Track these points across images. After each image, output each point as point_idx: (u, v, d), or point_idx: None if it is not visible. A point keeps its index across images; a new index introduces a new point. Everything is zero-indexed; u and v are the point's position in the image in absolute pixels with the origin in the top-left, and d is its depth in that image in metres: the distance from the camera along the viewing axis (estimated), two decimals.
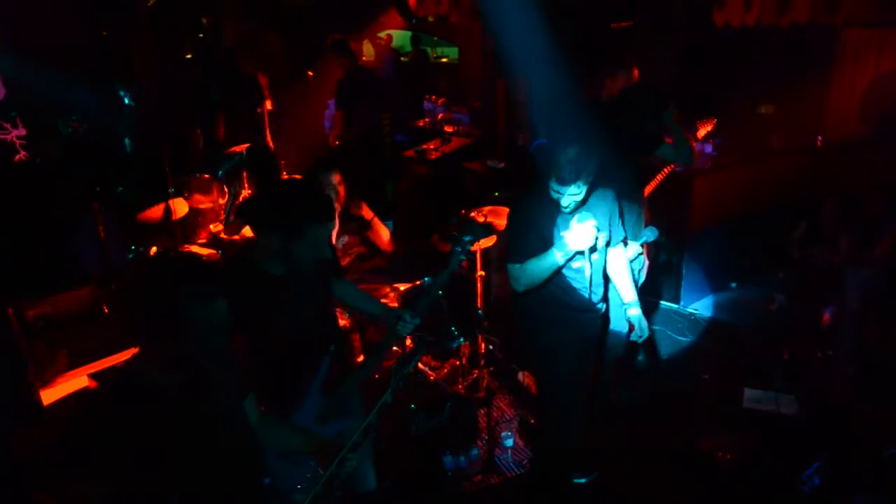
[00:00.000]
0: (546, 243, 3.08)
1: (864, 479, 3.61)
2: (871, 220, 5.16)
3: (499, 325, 4.73)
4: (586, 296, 3.23)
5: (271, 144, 6.56)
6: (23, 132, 5.49)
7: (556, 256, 3.03)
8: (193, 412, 2.01)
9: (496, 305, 5.10)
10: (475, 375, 4.36)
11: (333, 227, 2.56)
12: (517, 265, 3.15)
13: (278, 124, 7.18)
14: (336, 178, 3.88)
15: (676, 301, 5.61)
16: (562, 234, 3.02)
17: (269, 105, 6.75)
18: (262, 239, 2.59)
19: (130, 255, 5.18)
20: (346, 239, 4.27)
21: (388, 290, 4.49)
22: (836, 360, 4.74)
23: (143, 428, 1.90)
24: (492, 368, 4.44)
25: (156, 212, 5.13)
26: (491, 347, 4.53)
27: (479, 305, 4.31)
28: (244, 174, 5.31)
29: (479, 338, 4.27)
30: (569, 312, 3.26)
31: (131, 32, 7.26)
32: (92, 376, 4.44)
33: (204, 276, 1.92)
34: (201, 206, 5.64)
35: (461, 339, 4.02)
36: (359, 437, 2.37)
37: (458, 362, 4.37)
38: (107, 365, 4.60)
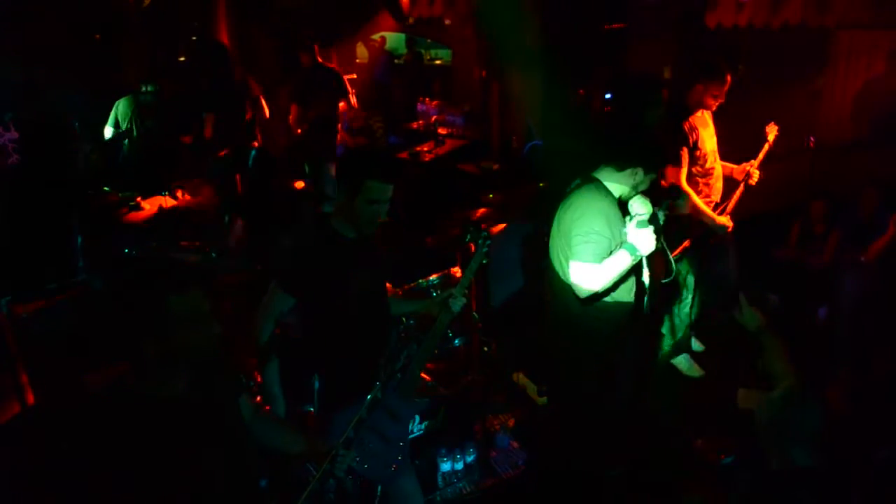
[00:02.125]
0: (615, 242, 3.07)
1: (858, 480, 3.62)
2: (862, 222, 5.19)
3: (494, 327, 4.72)
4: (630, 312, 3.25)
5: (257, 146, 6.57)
6: (15, 135, 5.47)
7: (628, 258, 2.99)
8: (191, 419, 2.00)
9: (491, 306, 5.10)
10: (470, 377, 4.35)
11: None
12: (593, 265, 3.04)
13: (271, 127, 7.20)
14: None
15: None
16: (629, 238, 3.02)
17: (266, 112, 6.80)
18: (336, 198, 2.81)
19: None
20: None
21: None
22: (831, 361, 4.75)
23: (139, 437, 1.89)
24: (487, 370, 4.43)
25: (141, 213, 5.12)
26: (486, 349, 4.52)
27: (474, 307, 4.31)
28: (237, 177, 5.32)
29: (475, 339, 4.27)
30: (614, 328, 3.25)
31: (124, 35, 7.25)
32: (86, 382, 4.41)
33: (174, 269, 1.94)
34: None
35: (456, 342, 4.02)
36: (351, 433, 2.36)
37: (452, 363, 4.36)
38: (102, 370, 4.57)
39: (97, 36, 7.37)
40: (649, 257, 3.16)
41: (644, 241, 2.99)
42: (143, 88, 5.95)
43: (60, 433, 4.11)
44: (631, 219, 3.04)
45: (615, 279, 3.05)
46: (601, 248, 3.03)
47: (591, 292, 3.06)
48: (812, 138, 4.43)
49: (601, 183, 3.17)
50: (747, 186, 4.55)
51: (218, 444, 2.07)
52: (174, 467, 1.94)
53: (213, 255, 5.04)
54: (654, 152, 3.16)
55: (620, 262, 3.01)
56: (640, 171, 3.09)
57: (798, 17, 6.09)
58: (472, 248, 3.30)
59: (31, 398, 4.36)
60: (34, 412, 4.32)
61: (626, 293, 3.23)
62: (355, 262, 2.82)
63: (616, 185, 3.16)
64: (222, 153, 5.77)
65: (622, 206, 3.19)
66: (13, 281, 4.97)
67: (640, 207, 3.01)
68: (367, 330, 2.90)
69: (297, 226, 3.22)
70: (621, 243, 3.06)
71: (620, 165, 3.10)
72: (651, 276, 3.28)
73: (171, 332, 1.89)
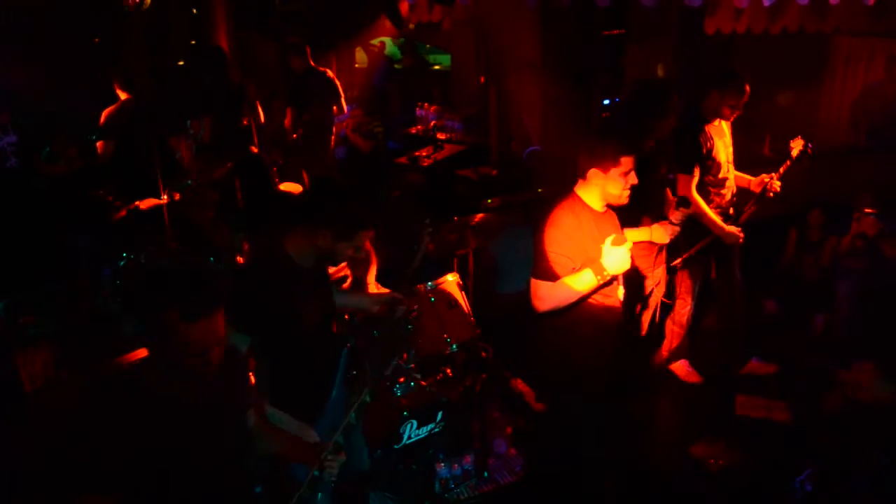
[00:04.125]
0: (581, 262, 3.00)
1: (855, 486, 3.62)
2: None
3: (492, 333, 4.72)
4: (620, 317, 3.23)
5: (256, 151, 6.58)
6: (13, 139, 5.46)
7: (593, 279, 2.94)
8: (197, 420, 2.00)
9: (488, 312, 5.09)
10: (468, 383, 4.34)
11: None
12: (547, 283, 3.01)
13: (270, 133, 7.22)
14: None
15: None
16: (602, 257, 2.95)
17: (261, 118, 6.82)
18: (308, 235, 2.69)
19: (122, 263, 5.14)
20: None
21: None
22: (829, 367, 4.75)
23: (142, 434, 1.88)
24: (484, 376, 4.42)
25: (138, 217, 5.13)
26: (483, 354, 4.52)
27: (469, 311, 4.30)
28: (236, 182, 5.31)
29: (473, 345, 4.26)
30: (603, 334, 3.21)
31: (123, 38, 7.25)
32: (88, 382, 4.39)
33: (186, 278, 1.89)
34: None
35: (454, 347, 4.02)
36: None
37: (450, 369, 4.35)
38: (100, 372, 4.56)
39: (96, 40, 7.37)
40: (627, 274, 3.14)
41: (615, 260, 2.94)
42: (124, 97, 5.85)
43: (59, 432, 4.12)
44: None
45: (576, 298, 3.00)
46: (560, 268, 3.00)
47: (547, 310, 3.04)
48: (810, 145, 4.42)
49: (579, 198, 3.13)
50: (763, 198, 4.49)
51: (218, 447, 2.07)
52: (172, 467, 1.93)
53: (211, 259, 5.04)
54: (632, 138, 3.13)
55: (580, 281, 2.97)
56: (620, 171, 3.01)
57: (796, 24, 6.10)
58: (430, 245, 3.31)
59: (29, 399, 4.35)
60: (32, 412, 4.32)
61: (596, 307, 3.16)
62: (311, 289, 2.78)
63: (599, 194, 3.11)
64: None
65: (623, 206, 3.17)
66: (12, 284, 4.96)
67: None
68: (318, 354, 2.88)
69: (249, 257, 3.04)
70: (589, 262, 3.00)
71: (603, 165, 3.02)
72: (627, 292, 3.25)
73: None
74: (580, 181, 3.14)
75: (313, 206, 2.77)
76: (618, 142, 3.03)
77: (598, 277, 2.94)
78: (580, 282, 2.97)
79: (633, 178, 3.07)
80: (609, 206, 3.19)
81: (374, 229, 2.73)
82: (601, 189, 3.08)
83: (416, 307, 3.43)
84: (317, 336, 2.82)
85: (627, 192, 3.09)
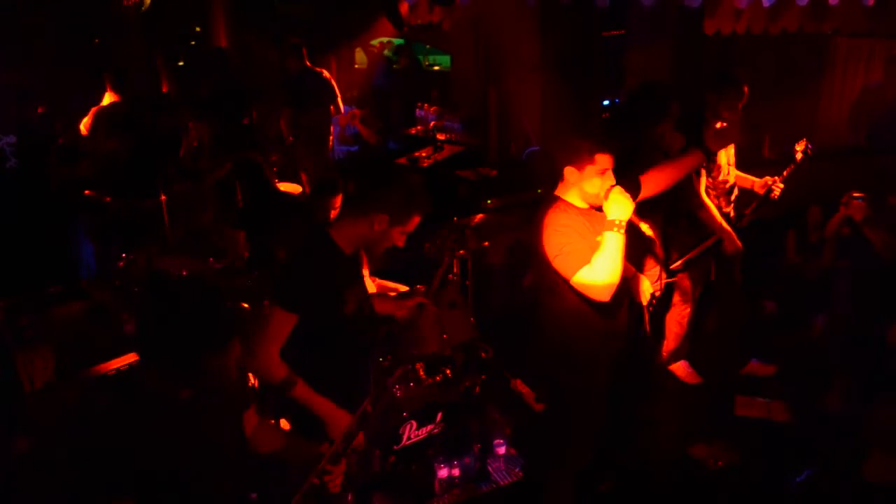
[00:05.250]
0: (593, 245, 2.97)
1: (855, 487, 3.63)
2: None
3: (492, 333, 4.72)
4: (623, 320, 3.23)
5: (257, 155, 6.59)
6: (12, 139, 5.47)
7: (613, 236, 2.86)
8: (193, 423, 2.00)
9: (488, 313, 5.09)
10: (467, 383, 4.34)
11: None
12: (586, 268, 2.91)
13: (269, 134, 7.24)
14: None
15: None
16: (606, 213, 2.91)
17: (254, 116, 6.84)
18: (363, 221, 2.68)
19: (121, 263, 5.14)
20: None
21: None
22: (828, 368, 4.75)
23: (138, 436, 1.88)
24: (484, 376, 4.42)
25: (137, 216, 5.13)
26: (483, 355, 4.51)
27: (469, 311, 4.30)
28: (236, 184, 5.31)
29: (473, 345, 4.26)
30: (609, 343, 3.21)
31: (123, 39, 7.26)
32: (88, 382, 4.40)
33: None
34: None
35: (453, 347, 4.01)
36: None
37: (449, 370, 4.35)
38: (99, 372, 4.56)
39: (96, 40, 7.38)
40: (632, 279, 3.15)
41: (617, 205, 2.86)
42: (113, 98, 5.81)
43: (58, 430, 4.12)
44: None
45: (618, 264, 2.89)
46: (582, 252, 2.93)
47: (607, 287, 2.89)
48: (810, 145, 4.43)
49: (562, 199, 3.08)
50: (766, 201, 4.50)
51: (213, 452, 2.06)
52: (167, 469, 1.93)
53: (211, 259, 5.05)
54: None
55: (608, 244, 2.88)
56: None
57: (796, 25, 6.12)
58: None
59: (29, 400, 4.35)
60: (32, 412, 4.32)
61: (601, 311, 3.11)
62: (353, 278, 2.83)
63: (578, 193, 3.06)
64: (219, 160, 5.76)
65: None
66: (12, 284, 4.97)
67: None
68: (355, 341, 2.89)
69: (294, 239, 3.11)
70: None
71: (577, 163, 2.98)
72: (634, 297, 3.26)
73: None
74: (560, 182, 3.09)
75: (374, 191, 2.73)
76: (593, 139, 2.97)
77: (616, 230, 2.85)
78: (607, 244, 2.87)
79: (610, 178, 2.99)
80: (592, 206, 3.11)
81: (425, 216, 2.71)
82: (578, 188, 3.02)
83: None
84: (355, 322, 2.84)
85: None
